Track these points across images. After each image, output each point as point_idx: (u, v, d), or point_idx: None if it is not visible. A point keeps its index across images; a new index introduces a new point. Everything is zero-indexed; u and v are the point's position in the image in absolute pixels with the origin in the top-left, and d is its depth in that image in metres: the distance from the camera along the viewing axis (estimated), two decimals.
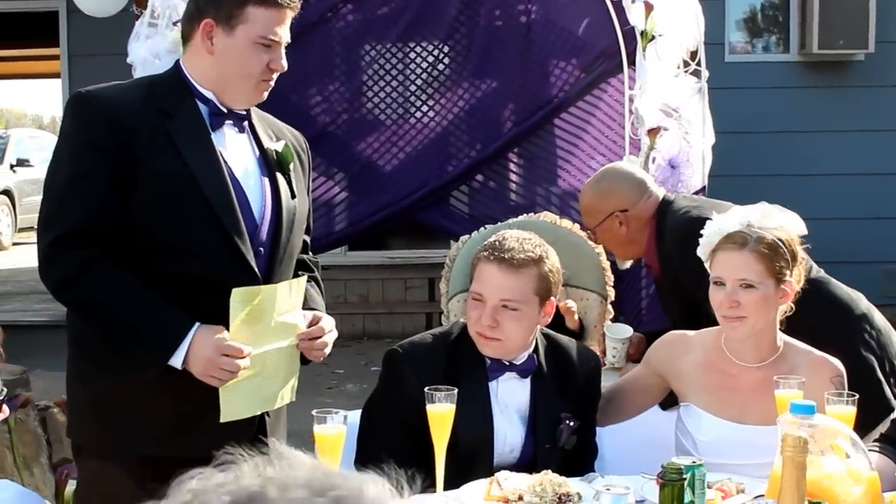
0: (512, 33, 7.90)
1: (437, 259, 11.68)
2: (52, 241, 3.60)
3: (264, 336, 3.69)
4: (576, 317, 5.65)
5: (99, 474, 3.83)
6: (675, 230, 4.97)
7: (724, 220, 4.09)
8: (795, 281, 4.04)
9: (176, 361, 3.56)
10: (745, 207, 4.13)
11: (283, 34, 3.77)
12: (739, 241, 3.99)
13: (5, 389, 2.72)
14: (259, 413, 3.83)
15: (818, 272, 5.02)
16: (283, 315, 3.74)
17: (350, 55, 8.19)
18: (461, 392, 3.68)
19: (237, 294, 3.58)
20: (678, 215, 5.11)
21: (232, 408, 3.67)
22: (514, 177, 8.25)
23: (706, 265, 4.11)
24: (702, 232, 4.16)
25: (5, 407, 2.72)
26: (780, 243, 3.98)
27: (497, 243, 4.06)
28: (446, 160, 8.11)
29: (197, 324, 3.58)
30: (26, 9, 13.97)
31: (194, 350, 3.55)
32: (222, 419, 3.64)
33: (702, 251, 4.15)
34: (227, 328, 3.59)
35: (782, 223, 4.04)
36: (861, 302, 5.04)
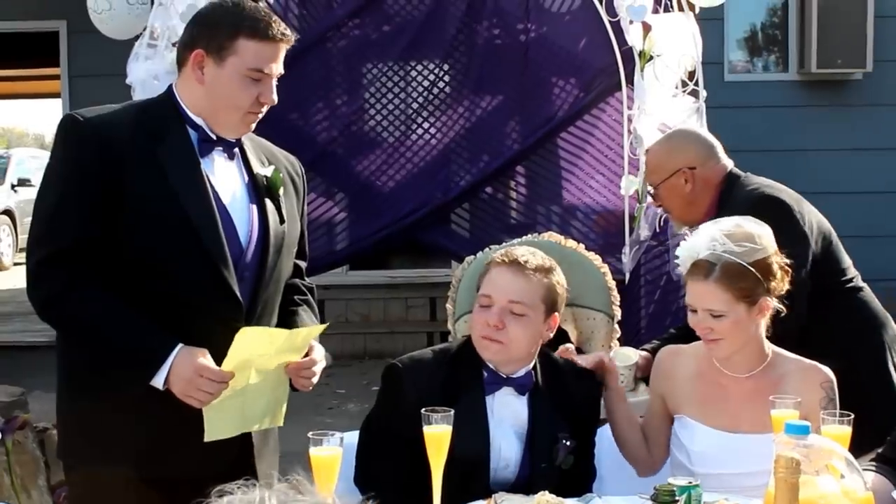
0: (511, 52, 7.89)
1: (438, 278, 11.72)
2: (39, 261, 3.62)
3: (254, 364, 3.69)
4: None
5: (87, 493, 3.85)
6: (745, 200, 4.88)
7: (693, 242, 4.08)
8: (775, 292, 4.05)
9: (158, 382, 3.57)
10: (713, 224, 4.13)
11: (275, 68, 3.77)
12: (703, 272, 3.99)
13: None
14: (242, 433, 3.82)
15: (863, 285, 5.14)
16: (282, 354, 3.76)
17: (350, 75, 8.19)
18: (458, 407, 3.68)
19: (243, 333, 3.58)
20: (749, 189, 5.07)
21: (215, 427, 3.67)
22: (514, 196, 8.25)
23: None
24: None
25: None
26: (748, 267, 3.96)
27: (508, 251, 4.13)
28: (446, 179, 8.11)
29: (179, 345, 3.58)
30: (27, 29, 14.01)
31: (175, 370, 3.56)
32: (206, 438, 3.65)
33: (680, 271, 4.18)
34: (211, 351, 3.59)
35: (751, 242, 4.02)
36: None
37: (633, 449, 4.33)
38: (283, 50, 3.80)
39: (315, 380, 3.89)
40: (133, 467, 3.70)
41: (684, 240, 4.24)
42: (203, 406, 3.60)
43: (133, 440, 3.70)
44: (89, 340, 3.67)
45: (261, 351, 3.65)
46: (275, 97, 3.79)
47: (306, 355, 3.85)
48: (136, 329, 3.61)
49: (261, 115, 3.83)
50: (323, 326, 3.88)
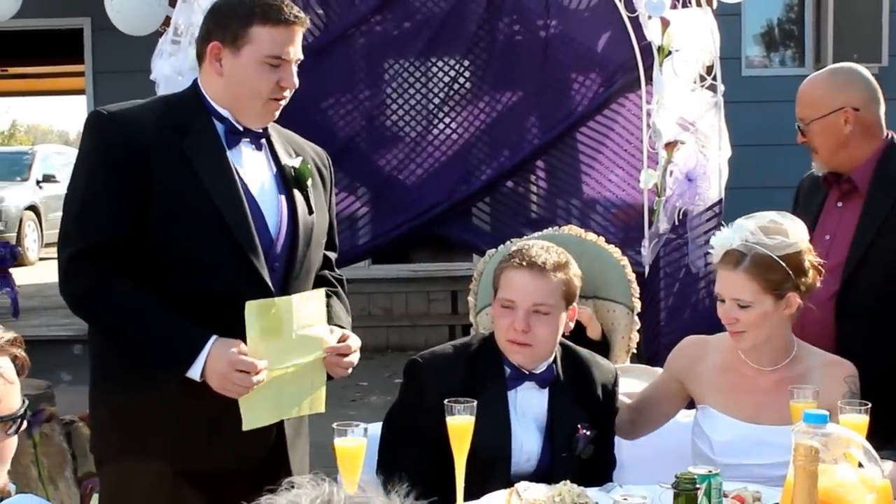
0: (531, 48, 7.89)
1: (459, 272, 11.75)
2: (70, 257, 3.64)
3: (286, 349, 3.71)
4: (598, 326, 5.67)
5: (120, 487, 3.87)
6: None
7: (727, 234, 4.12)
8: (804, 289, 4.08)
9: (194, 374, 3.59)
10: (748, 219, 4.15)
11: (293, 52, 3.78)
12: (734, 261, 4.04)
13: (27, 401, 2.77)
14: (280, 420, 3.85)
15: None
16: (304, 328, 3.77)
17: (372, 71, 8.20)
18: (480, 402, 3.69)
19: (250, 307, 3.60)
20: None
21: (253, 416, 3.69)
22: (534, 190, 8.26)
23: None
24: None
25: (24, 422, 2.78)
26: (777, 260, 4.00)
27: (523, 251, 4.10)
28: (468, 174, 8.11)
29: (214, 337, 3.60)
30: (52, 26, 14.08)
31: (210, 364, 3.58)
32: (245, 427, 3.66)
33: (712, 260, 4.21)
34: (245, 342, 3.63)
35: (783, 236, 4.05)
36: None
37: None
38: (298, 32, 3.80)
39: (350, 370, 3.91)
40: (168, 460, 3.73)
41: (719, 230, 4.26)
42: (238, 397, 3.63)
43: (168, 433, 3.73)
44: (123, 335, 3.69)
45: (275, 322, 3.67)
46: (296, 81, 3.81)
47: (342, 341, 3.88)
48: (169, 322, 3.63)
49: (284, 102, 3.84)
50: (323, 290, 3.90)
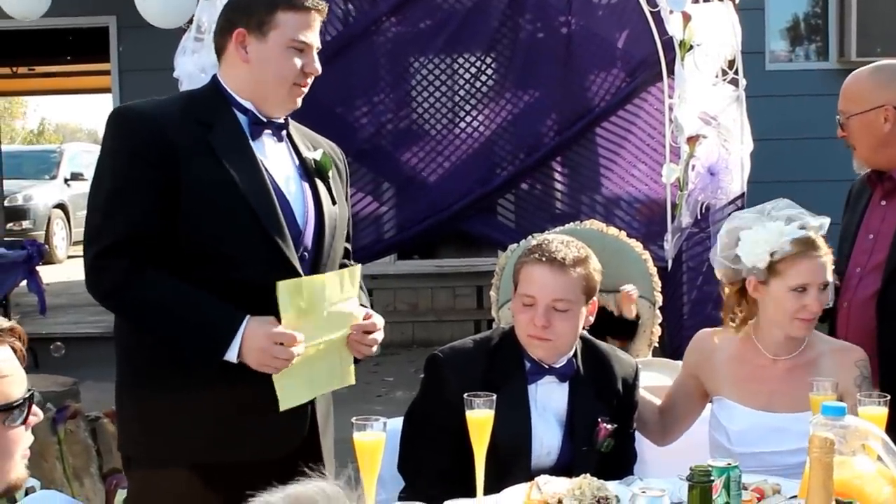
0: (553, 44, 7.93)
1: (485, 267, 11.75)
2: (97, 254, 3.64)
3: (319, 326, 3.72)
4: (633, 307, 5.67)
5: (148, 484, 3.87)
6: None
7: (775, 227, 4.09)
8: None
9: (231, 355, 3.59)
10: (779, 211, 4.14)
11: (313, 39, 3.82)
12: (814, 246, 4.05)
13: (31, 390, 2.76)
14: (314, 397, 3.86)
15: None
16: (336, 304, 3.78)
17: (394, 67, 8.23)
18: (500, 396, 3.68)
19: (282, 286, 3.61)
20: None
21: (288, 396, 3.69)
22: (558, 185, 8.28)
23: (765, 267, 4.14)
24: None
25: (37, 409, 2.75)
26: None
27: (543, 246, 4.08)
28: (491, 170, 8.14)
29: (248, 316, 3.60)
30: (78, 25, 14.15)
31: (247, 342, 3.58)
32: (281, 408, 3.67)
33: (761, 253, 4.13)
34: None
35: (820, 218, 4.11)
36: None
37: (645, 431, 4.39)
38: (318, 20, 3.85)
39: (375, 348, 3.91)
40: (198, 454, 3.74)
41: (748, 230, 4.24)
42: (278, 374, 3.63)
43: (197, 427, 3.73)
44: (157, 324, 3.69)
45: (310, 302, 3.69)
46: (318, 66, 3.84)
47: (367, 319, 3.88)
48: (203, 306, 3.63)
49: (306, 89, 3.87)
50: (359, 266, 3.92)
